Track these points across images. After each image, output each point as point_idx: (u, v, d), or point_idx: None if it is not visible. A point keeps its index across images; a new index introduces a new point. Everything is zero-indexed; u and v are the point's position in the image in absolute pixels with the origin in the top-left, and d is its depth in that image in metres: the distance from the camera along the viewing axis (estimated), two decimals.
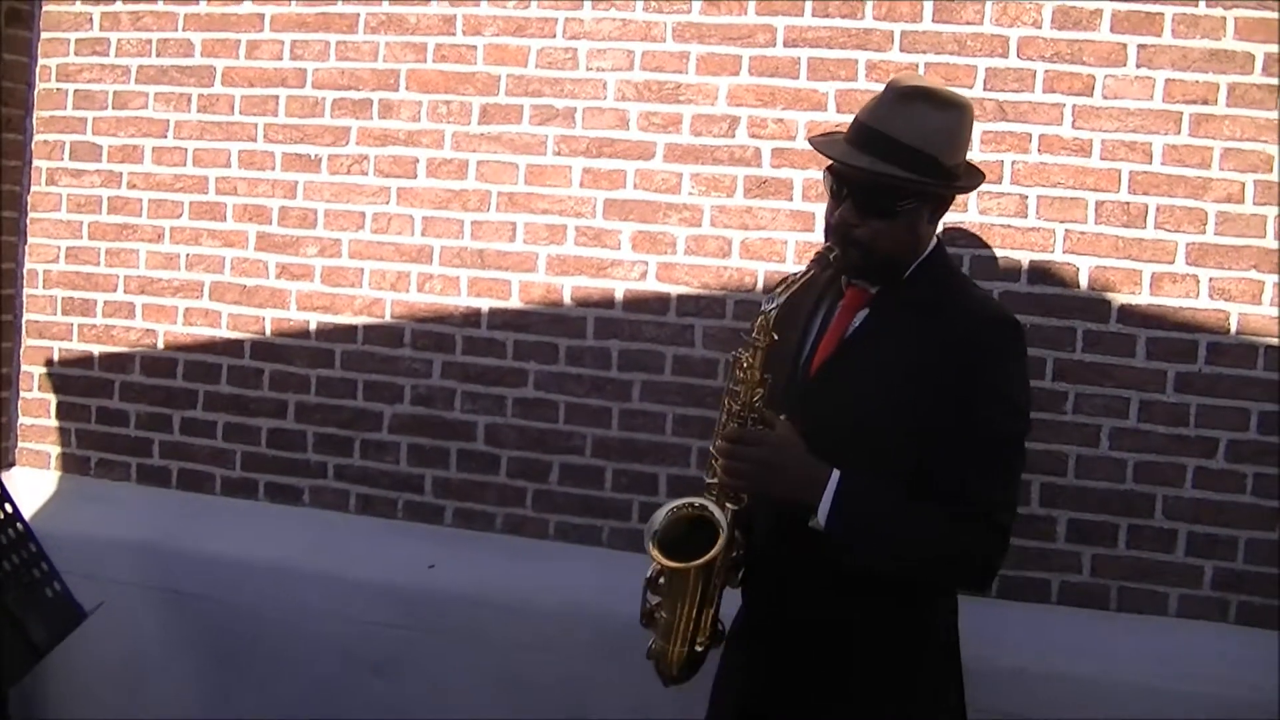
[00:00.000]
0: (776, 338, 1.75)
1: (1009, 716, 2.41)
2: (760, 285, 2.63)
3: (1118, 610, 2.53)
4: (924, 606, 1.82)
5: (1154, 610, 2.51)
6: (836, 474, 1.68)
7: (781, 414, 1.76)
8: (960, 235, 2.54)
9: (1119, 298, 2.50)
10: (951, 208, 2.47)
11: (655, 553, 1.74)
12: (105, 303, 3.04)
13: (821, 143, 1.84)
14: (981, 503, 1.69)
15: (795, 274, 1.77)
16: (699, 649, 1.83)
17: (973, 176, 1.87)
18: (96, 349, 3.05)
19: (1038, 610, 2.54)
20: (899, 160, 1.71)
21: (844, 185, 1.77)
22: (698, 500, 1.77)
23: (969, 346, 1.72)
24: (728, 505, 1.75)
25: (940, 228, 1.90)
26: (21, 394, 3.11)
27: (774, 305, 1.73)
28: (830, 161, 1.79)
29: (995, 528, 1.72)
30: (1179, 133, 2.46)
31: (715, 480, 1.76)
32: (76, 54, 3.03)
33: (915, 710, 1.80)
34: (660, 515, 1.76)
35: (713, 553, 1.71)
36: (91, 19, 3.01)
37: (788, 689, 1.81)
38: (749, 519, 1.81)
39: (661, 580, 1.80)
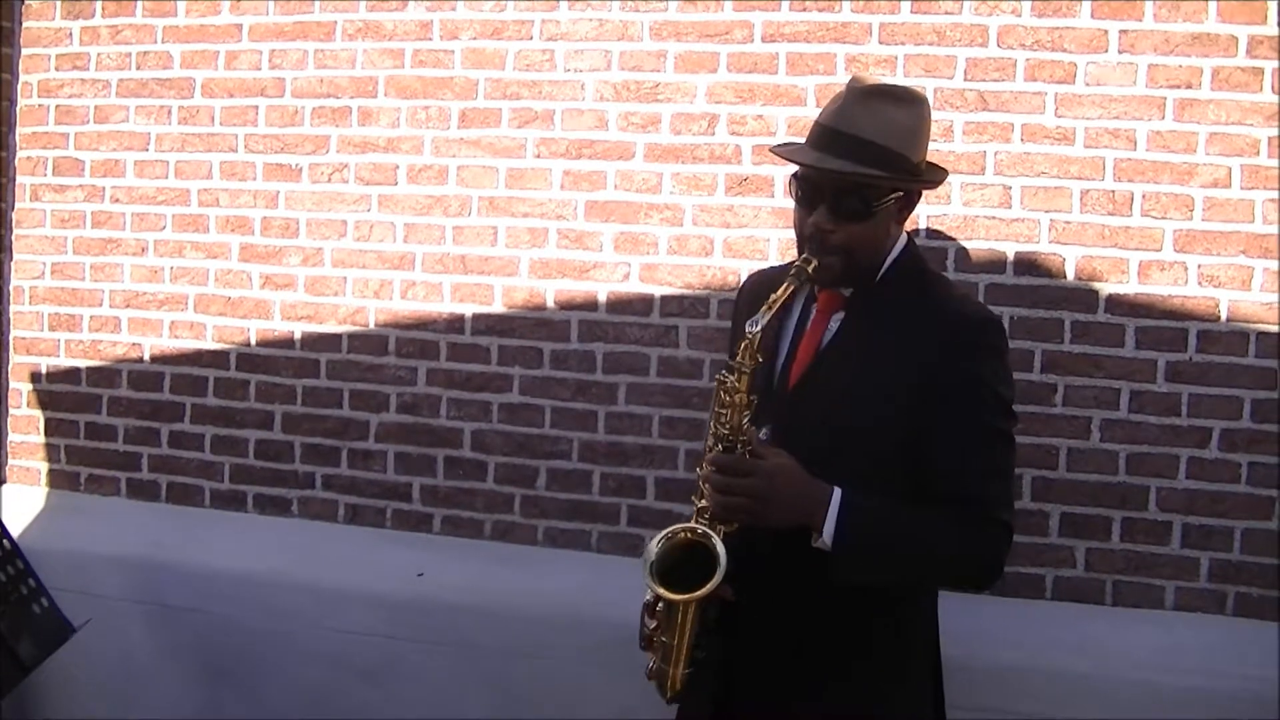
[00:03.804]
0: (760, 360, 1.69)
1: (1004, 714, 2.39)
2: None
3: (1113, 605, 2.49)
4: (908, 608, 1.80)
5: (1150, 604, 2.47)
6: (838, 493, 1.63)
7: (763, 427, 1.72)
8: (943, 229, 2.51)
9: (1106, 287, 2.47)
10: (934, 201, 2.51)
11: (655, 585, 1.67)
12: (91, 317, 3.04)
13: (787, 150, 1.81)
14: (982, 502, 1.68)
15: (778, 294, 1.68)
16: (700, 655, 1.77)
17: (935, 172, 1.85)
18: (84, 364, 3.05)
19: (1032, 606, 2.51)
20: (871, 160, 1.68)
21: (815, 191, 1.72)
22: (699, 527, 1.70)
23: (951, 346, 1.70)
24: (719, 528, 1.69)
25: (925, 224, 1.86)
26: (10, 411, 3.11)
27: (758, 328, 1.66)
28: (795, 169, 1.76)
29: (998, 524, 1.70)
30: (1163, 118, 2.43)
31: (705, 504, 1.70)
32: (57, 69, 3.03)
33: (899, 709, 1.78)
34: (655, 543, 1.70)
35: (711, 585, 1.64)
36: (71, 34, 3.01)
37: (771, 688, 1.78)
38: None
39: (659, 606, 1.75)
